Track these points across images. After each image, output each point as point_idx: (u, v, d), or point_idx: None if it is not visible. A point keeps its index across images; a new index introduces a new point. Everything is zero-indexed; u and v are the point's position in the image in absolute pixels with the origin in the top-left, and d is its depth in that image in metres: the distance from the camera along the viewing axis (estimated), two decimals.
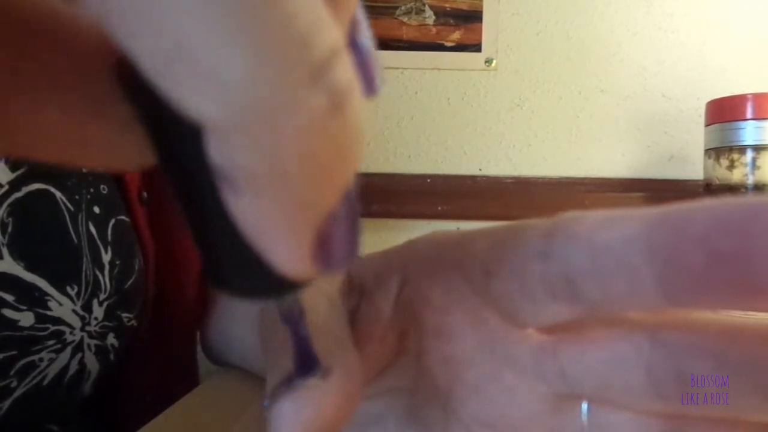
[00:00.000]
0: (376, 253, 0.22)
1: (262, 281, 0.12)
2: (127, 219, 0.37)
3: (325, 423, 0.15)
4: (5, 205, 0.28)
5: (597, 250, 0.14)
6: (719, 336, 0.14)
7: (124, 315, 0.35)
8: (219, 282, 0.12)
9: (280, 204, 0.10)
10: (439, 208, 0.85)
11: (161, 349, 0.41)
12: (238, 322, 0.40)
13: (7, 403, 0.29)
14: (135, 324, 0.36)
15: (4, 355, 0.28)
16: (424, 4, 0.86)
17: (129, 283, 0.35)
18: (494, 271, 0.17)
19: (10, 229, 0.28)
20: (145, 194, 0.39)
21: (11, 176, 0.29)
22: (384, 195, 0.85)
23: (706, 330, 0.14)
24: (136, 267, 0.36)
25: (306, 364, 0.15)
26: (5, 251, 0.28)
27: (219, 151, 0.09)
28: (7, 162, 0.29)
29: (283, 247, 0.11)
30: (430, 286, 0.19)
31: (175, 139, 0.10)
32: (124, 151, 0.11)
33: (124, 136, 0.11)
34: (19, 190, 0.29)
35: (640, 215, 0.14)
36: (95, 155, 0.11)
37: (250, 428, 0.27)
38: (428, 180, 0.86)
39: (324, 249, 0.12)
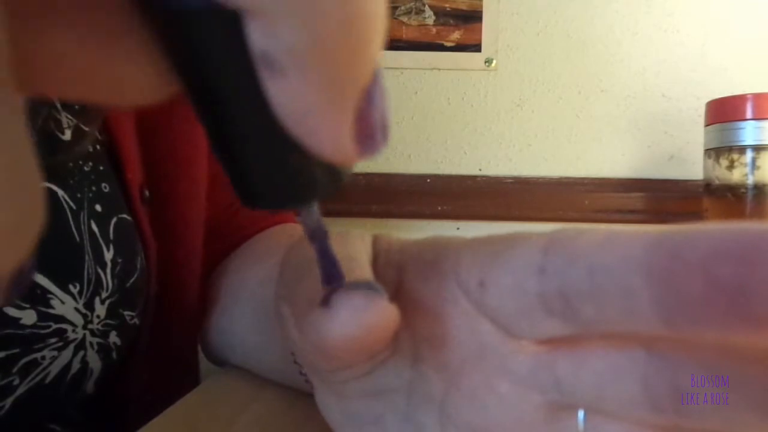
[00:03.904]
0: (382, 239, 0.22)
1: (298, 178, 0.12)
2: (128, 218, 0.36)
3: (382, 332, 0.16)
4: None
5: (595, 270, 0.14)
6: (715, 349, 0.14)
7: (126, 313, 0.35)
8: (252, 193, 0.13)
9: (325, 79, 0.10)
10: (439, 208, 0.85)
11: (163, 349, 0.41)
12: (238, 322, 0.40)
13: (9, 401, 0.29)
14: (137, 322, 0.36)
15: (6, 353, 0.28)
16: (423, 5, 0.86)
17: (131, 281, 0.35)
18: (489, 282, 0.16)
19: None
20: (147, 193, 0.38)
21: None
22: (384, 195, 0.85)
23: (703, 343, 0.14)
24: (138, 265, 0.36)
25: (332, 278, 0.16)
26: None
27: (263, 35, 0.10)
28: None
29: (327, 125, 0.11)
30: (424, 292, 0.19)
31: (204, 35, 0.10)
32: (141, 78, 0.11)
33: (140, 61, 0.11)
34: None
35: (640, 236, 0.13)
36: (111, 85, 0.11)
37: (250, 428, 0.27)
38: (428, 180, 0.86)
39: (363, 127, 0.12)
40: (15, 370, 0.28)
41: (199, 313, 0.43)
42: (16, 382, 0.28)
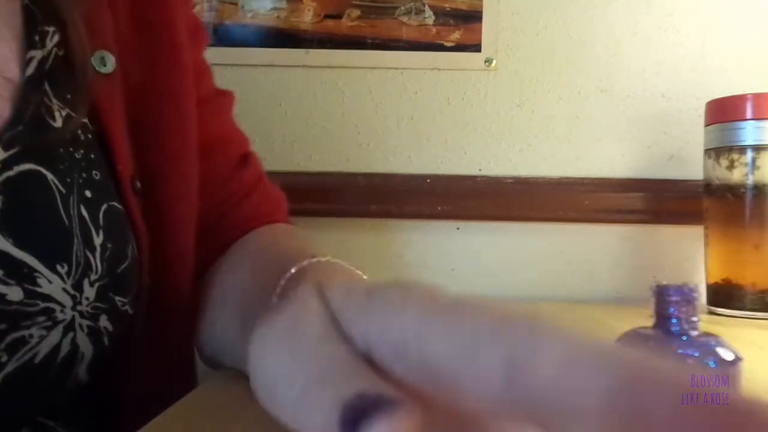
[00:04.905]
0: (355, 278, 0.21)
1: None
2: (119, 206, 0.36)
3: None
4: None
5: (551, 394, 0.13)
6: None
7: (117, 298, 0.35)
8: None
9: None
10: (439, 208, 0.85)
11: (157, 343, 0.41)
12: (226, 330, 0.40)
13: None
14: (129, 311, 0.36)
15: None
16: (423, 5, 0.86)
17: (122, 267, 0.35)
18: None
19: (0, 206, 0.28)
20: (138, 184, 0.39)
21: (4, 155, 0.29)
22: (384, 195, 0.85)
23: None
24: (129, 254, 0.36)
25: None
26: None
27: None
28: (1, 141, 0.29)
29: None
30: (384, 349, 0.17)
31: None
32: None
33: None
34: (11, 168, 0.29)
35: (608, 367, 0.12)
36: None
37: (250, 429, 0.27)
38: (428, 180, 0.86)
39: None
40: (3, 346, 0.28)
41: (192, 311, 0.43)
42: (5, 359, 0.29)
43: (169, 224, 0.40)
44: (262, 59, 0.87)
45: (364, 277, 0.33)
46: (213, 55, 0.86)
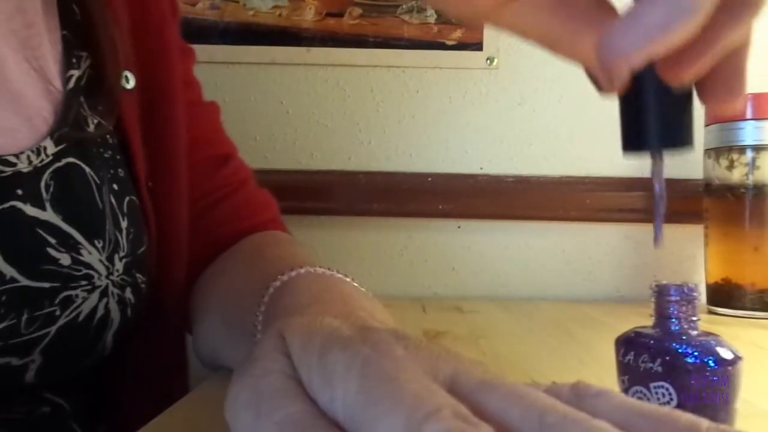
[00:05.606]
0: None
1: (681, 123, 0.20)
2: (137, 200, 0.43)
3: None
4: (49, 170, 0.36)
5: None
6: None
7: (138, 276, 0.41)
8: (645, 143, 0.20)
9: None
10: (440, 207, 0.85)
11: (156, 332, 0.44)
12: (217, 331, 0.43)
13: (53, 329, 0.35)
14: (145, 290, 0.41)
15: (50, 284, 0.34)
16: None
17: (141, 250, 0.41)
18: None
19: (52, 189, 0.36)
20: (150, 183, 0.44)
21: (55, 149, 0.37)
22: (385, 194, 0.85)
23: None
24: (145, 240, 0.42)
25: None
26: (48, 205, 0.35)
27: None
28: (52, 138, 0.36)
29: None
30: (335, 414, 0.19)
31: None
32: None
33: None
34: (60, 161, 0.37)
35: None
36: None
37: None
38: (429, 179, 0.86)
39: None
40: (57, 301, 0.35)
41: (185, 302, 0.48)
42: (58, 312, 0.35)
43: (169, 218, 0.45)
44: (264, 57, 0.87)
45: (347, 279, 0.35)
46: (214, 53, 0.87)
